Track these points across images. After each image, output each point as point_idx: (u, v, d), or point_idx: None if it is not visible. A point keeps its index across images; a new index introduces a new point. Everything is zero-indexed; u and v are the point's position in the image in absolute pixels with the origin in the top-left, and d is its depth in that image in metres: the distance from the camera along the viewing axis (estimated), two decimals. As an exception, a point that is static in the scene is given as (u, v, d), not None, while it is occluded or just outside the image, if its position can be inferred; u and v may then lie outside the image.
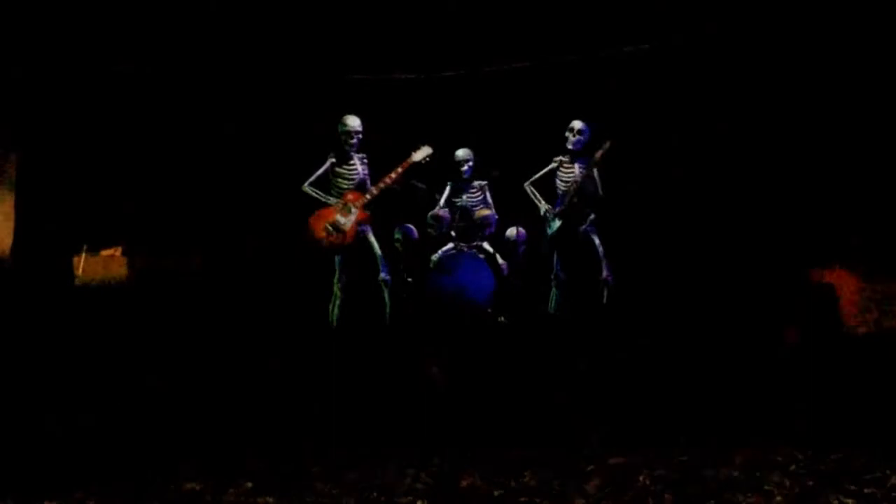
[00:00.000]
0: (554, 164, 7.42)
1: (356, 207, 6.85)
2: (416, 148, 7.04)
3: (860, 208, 7.06)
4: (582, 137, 7.28)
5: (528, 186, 7.51)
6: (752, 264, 7.26)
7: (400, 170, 6.93)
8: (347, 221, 6.83)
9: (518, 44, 8.07)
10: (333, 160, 7.00)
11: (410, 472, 3.73)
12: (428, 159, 7.03)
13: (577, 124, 7.30)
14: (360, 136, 7.00)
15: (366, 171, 7.02)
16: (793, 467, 3.65)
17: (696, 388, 5.11)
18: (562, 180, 7.38)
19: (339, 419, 4.65)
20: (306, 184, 6.97)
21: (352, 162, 7.00)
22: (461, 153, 7.51)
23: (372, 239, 6.98)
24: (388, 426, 4.50)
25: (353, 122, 7.00)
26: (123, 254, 9.02)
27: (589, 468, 3.72)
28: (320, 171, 7.00)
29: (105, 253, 9.00)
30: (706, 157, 7.64)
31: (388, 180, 6.88)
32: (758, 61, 7.47)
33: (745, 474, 3.59)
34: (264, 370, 5.81)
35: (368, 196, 6.88)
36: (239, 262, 8.48)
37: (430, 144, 7.07)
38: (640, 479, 3.58)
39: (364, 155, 7.06)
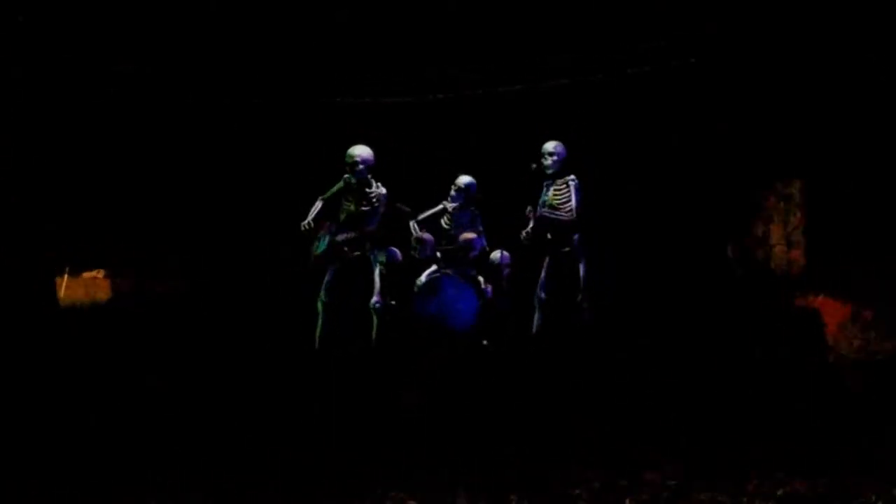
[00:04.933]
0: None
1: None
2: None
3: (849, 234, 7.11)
4: (556, 158, 7.15)
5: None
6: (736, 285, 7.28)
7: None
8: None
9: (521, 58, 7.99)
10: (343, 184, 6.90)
11: (392, 495, 3.68)
12: None
13: (549, 146, 7.17)
14: (364, 164, 6.83)
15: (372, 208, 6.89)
16: (780, 492, 3.62)
17: (678, 411, 5.09)
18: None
19: (317, 445, 4.60)
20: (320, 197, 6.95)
21: (358, 192, 6.87)
22: (463, 179, 7.39)
23: (374, 264, 6.95)
24: (367, 451, 4.45)
25: (355, 150, 6.87)
26: (106, 276, 8.95)
27: (576, 492, 3.68)
28: (333, 188, 6.92)
29: (87, 275, 8.93)
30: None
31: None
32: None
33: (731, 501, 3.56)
34: (244, 393, 5.73)
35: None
36: (223, 282, 8.42)
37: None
38: (627, 502, 3.56)
39: (379, 192, 6.92)
